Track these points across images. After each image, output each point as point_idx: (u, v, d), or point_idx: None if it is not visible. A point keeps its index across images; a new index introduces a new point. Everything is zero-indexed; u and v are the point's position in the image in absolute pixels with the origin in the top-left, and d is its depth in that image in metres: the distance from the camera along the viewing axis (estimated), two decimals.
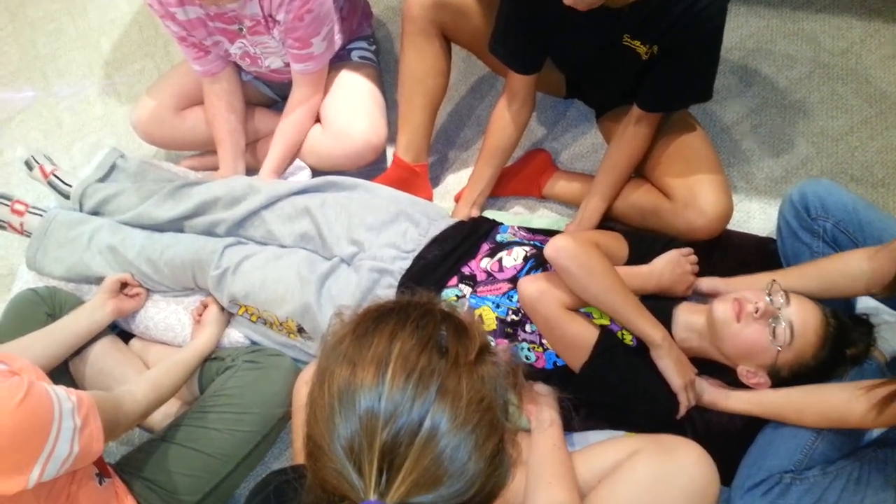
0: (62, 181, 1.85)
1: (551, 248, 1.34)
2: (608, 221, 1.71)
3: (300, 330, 1.56)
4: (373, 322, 0.75)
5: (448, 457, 0.67)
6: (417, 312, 0.76)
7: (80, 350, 1.57)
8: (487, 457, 0.70)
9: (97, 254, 1.69)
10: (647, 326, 1.32)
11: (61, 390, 1.06)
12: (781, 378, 1.32)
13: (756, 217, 1.81)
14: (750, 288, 1.36)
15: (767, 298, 1.29)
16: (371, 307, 0.79)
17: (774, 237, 1.62)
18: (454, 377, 0.70)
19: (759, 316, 1.27)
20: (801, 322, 1.27)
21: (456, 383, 0.70)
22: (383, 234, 1.58)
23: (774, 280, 1.33)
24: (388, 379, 0.69)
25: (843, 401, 1.25)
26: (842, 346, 1.30)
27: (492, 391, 0.73)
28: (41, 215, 1.78)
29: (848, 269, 1.35)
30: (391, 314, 0.76)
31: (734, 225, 1.70)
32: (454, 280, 1.51)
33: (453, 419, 0.68)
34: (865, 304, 1.51)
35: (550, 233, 1.38)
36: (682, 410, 1.34)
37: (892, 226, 1.40)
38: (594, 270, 1.32)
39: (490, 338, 1.45)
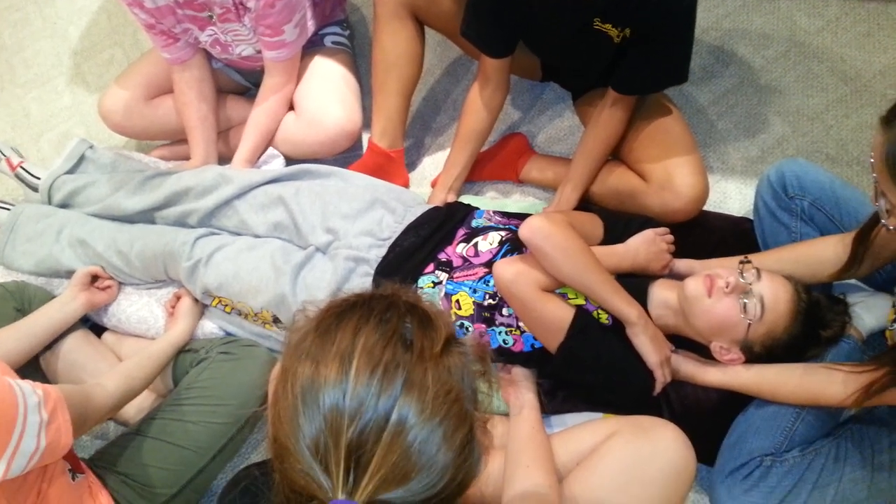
0: (30, 173, 1.82)
1: (526, 229, 1.33)
2: (585, 205, 1.70)
3: (275, 320, 1.54)
4: (335, 318, 0.73)
5: (417, 450, 0.66)
6: (381, 306, 0.74)
7: (51, 345, 1.54)
8: (457, 448, 0.69)
9: (67, 247, 1.66)
10: (622, 304, 1.32)
11: (26, 385, 1.04)
12: (755, 354, 1.31)
13: (733, 197, 1.80)
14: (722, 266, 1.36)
15: (739, 274, 1.29)
16: (334, 302, 0.77)
17: (751, 217, 1.62)
18: (420, 370, 0.69)
19: (730, 291, 1.27)
20: (772, 296, 1.27)
21: (422, 376, 0.69)
22: (359, 222, 1.56)
23: (746, 256, 1.33)
24: (353, 375, 0.67)
25: (819, 379, 1.26)
26: (815, 323, 1.31)
27: (459, 381, 0.72)
28: (9, 209, 1.75)
29: (824, 254, 1.36)
30: (354, 308, 0.74)
31: (711, 206, 1.70)
32: (430, 267, 1.50)
33: (420, 412, 0.67)
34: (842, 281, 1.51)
35: (526, 217, 1.37)
36: (658, 387, 1.34)
37: (867, 203, 1.40)
38: (569, 250, 1.31)
39: (468, 322, 1.44)
